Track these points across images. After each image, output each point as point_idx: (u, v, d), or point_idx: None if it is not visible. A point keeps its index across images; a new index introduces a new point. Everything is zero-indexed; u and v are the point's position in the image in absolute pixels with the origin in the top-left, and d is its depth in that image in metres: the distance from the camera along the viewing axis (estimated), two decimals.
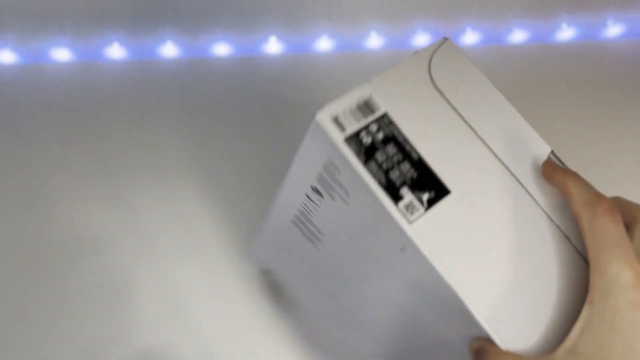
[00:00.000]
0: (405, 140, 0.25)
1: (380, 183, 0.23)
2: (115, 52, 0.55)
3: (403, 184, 0.24)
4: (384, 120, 0.25)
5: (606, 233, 0.22)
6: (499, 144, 0.26)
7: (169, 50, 0.56)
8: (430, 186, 0.24)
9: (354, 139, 0.24)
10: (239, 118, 0.54)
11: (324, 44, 0.58)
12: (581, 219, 0.23)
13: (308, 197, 0.27)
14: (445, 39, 0.29)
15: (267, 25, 0.57)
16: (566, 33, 0.59)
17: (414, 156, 0.25)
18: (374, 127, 0.25)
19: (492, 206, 0.25)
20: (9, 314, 0.45)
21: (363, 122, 0.25)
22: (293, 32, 0.57)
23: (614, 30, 0.60)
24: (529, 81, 0.56)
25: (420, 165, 0.24)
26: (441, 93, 0.27)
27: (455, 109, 0.26)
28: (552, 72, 0.57)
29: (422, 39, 0.58)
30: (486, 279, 0.23)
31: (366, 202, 0.24)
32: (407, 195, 0.24)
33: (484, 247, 0.24)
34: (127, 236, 0.48)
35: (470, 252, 0.24)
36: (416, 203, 0.24)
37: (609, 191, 0.50)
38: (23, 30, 0.54)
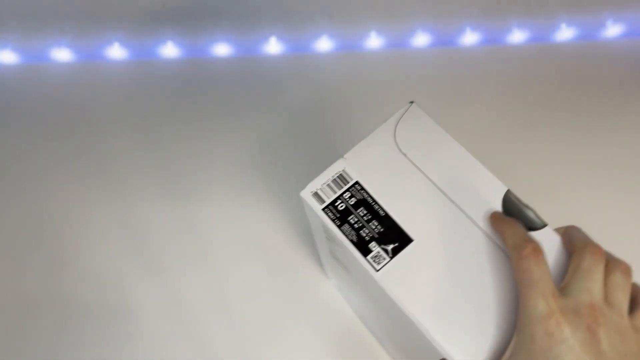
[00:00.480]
0: (374, 201, 0.31)
1: (352, 241, 0.30)
2: (116, 52, 0.56)
3: (372, 239, 0.30)
4: (356, 188, 0.31)
5: (528, 272, 0.26)
6: (457, 193, 0.31)
7: (169, 50, 0.56)
8: (395, 238, 0.30)
9: (330, 208, 0.31)
10: (239, 117, 0.54)
11: (324, 44, 0.58)
12: (511, 259, 0.27)
13: (327, 240, 0.34)
14: (411, 102, 0.34)
15: (267, 26, 0.57)
16: (565, 33, 0.59)
17: (381, 214, 0.30)
18: (347, 195, 0.31)
19: (450, 248, 0.30)
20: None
21: (338, 192, 0.31)
22: (293, 32, 0.58)
23: (613, 30, 0.60)
24: (529, 81, 0.57)
25: (386, 220, 0.30)
26: (405, 155, 0.32)
27: (418, 168, 0.32)
28: (552, 72, 0.57)
29: (422, 39, 0.58)
30: (445, 312, 0.28)
31: (347, 253, 0.31)
32: (375, 248, 0.30)
33: (443, 285, 0.29)
34: (125, 234, 0.48)
35: (430, 289, 0.28)
36: (382, 254, 0.29)
37: (609, 191, 0.50)
38: (24, 31, 0.54)
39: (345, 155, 0.32)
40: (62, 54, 0.55)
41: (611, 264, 0.27)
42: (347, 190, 0.31)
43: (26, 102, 0.54)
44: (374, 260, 0.30)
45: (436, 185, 0.31)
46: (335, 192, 0.31)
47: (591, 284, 0.26)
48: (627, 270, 0.27)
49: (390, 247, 0.30)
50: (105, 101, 0.54)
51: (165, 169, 0.51)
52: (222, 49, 0.57)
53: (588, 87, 0.56)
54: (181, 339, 0.45)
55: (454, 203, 0.31)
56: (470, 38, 0.58)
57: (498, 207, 0.30)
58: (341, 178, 0.32)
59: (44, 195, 0.50)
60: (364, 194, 0.31)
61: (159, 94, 0.55)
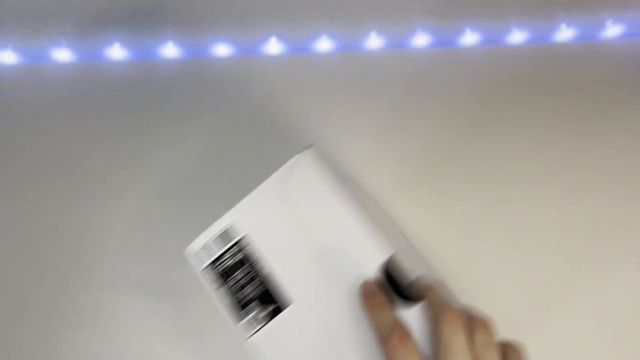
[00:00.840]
0: (258, 259, 0.29)
1: (227, 305, 0.29)
2: (116, 52, 0.56)
3: (250, 301, 0.29)
4: (242, 243, 0.30)
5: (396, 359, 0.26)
6: (340, 254, 0.29)
7: (170, 50, 0.56)
8: (275, 299, 0.28)
9: (210, 268, 0.30)
10: (239, 118, 0.54)
11: (324, 44, 0.58)
12: (380, 348, 0.27)
13: None
14: (310, 145, 0.32)
15: (267, 26, 0.57)
16: (565, 33, 0.59)
17: (264, 273, 0.29)
18: (233, 250, 0.30)
19: (329, 311, 0.28)
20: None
21: (224, 249, 0.30)
22: (293, 32, 0.58)
23: (613, 30, 0.60)
24: (528, 82, 0.57)
25: (268, 280, 0.29)
26: (293, 208, 0.30)
27: (305, 223, 0.29)
28: (552, 72, 0.57)
29: (422, 39, 0.58)
30: None
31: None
32: (252, 311, 0.28)
33: (314, 353, 0.27)
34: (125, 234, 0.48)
35: (304, 354, 0.27)
36: (259, 317, 0.28)
37: (609, 191, 0.50)
38: (24, 31, 0.55)
39: (234, 208, 0.30)
40: (62, 54, 0.55)
41: (473, 323, 0.27)
42: (234, 245, 0.30)
43: (27, 102, 0.54)
44: (249, 324, 0.28)
45: (321, 244, 0.29)
46: (220, 249, 0.30)
47: (456, 356, 0.25)
48: (488, 326, 0.27)
49: (269, 308, 0.28)
50: (105, 101, 0.54)
51: (165, 169, 0.51)
52: (222, 49, 0.57)
53: (588, 88, 0.56)
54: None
55: (336, 264, 0.29)
56: (469, 38, 0.58)
57: (382, 262, 0.29)
58: (228, 233, 0.30)
59: (44, 196, 0.50)
60: (249, 250, 0.29)
61: (160, 94, 0.55)
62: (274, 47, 0.57)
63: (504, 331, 0.42)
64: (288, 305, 0.28)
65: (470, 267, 0.47)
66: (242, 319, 0.29)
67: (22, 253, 0.48)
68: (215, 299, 0.29)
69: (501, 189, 0.51)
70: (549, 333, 0.45)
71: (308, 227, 0.29)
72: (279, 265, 0.29)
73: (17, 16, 0.54)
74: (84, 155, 0.52)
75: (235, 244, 0.30)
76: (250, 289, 0.29)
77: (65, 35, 0.55)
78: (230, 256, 0.30)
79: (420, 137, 0.53)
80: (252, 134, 0.53)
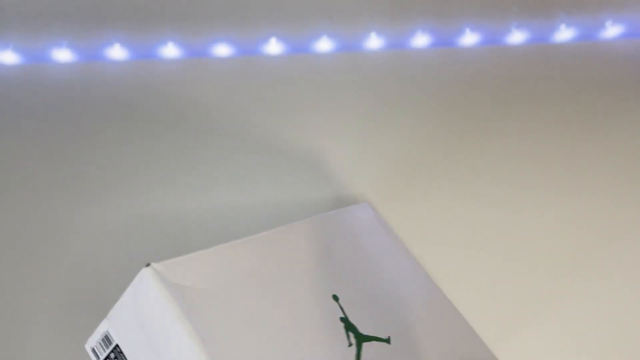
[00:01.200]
0: None
1: None
2: (117, 52, 0.56)
3: None
4: (117, 350, 0.29)
5: None
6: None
7: (170, 50, 0.56)
8: None
9: None
10: (239, 117, 0.54)
11: (324, 44, 0.58)
12: None
13: None
14: (147, 265, 0.29)
15: (267, 26, 0.57)
16: (565, 34, 0.59)
17: None
18: (111, 357, 0.30)
19: None
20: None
21: (105, 354, 0.30)
22: (293, 32, 0.58)
23: (612, 30, 0.60)
24: (528, 82, 0.57)
25: None
26: (141, 327, 0.28)
27: (151, 341, 0.28)
28: (551, 73, 0.57)
29: (421, 40, 0.58)
30: None
31: None
32: None
33: None
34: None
35: None
36: None
37: (608, 191, 0.50)
38: (25, 31, 0.55)
39: (109, 314, 0.30)
40: (63, 55, 0.55)
41: None
42: (111, 352, 0.29)
43: (27, 103, 0.54)
44: None
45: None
46: (104, 352, 0.30)
47: None
48: None
49: None
50: (106, 101, 0.54)
51: (165, 169, 0.51)
52: (222, 50, 0.57)
53: (587, 88, 0.56)
54: None
55: None
56: (469, 38, 0.58)
57: None
58: (106, 339, 0.30)
59: (44, 196, 0.50)
60: (122, 358, 0.29)
61: (160, 94, 0.55)
62: (274, 47, 0.57)
63: (500, 333, 0.42)
64: None
65: (463, 268, 0.47)
66: None
67: (22, 253, 0.48)
68: None
69: (501, 189, 0.51)
70: (548, 333, 0.45)
71: (152, 347, 0.28)
72: None
73: (17, 17, 0.54)
74: (84, 156, 0.52)
75: (113, 350, 0.30)
76: None
77: (65, 35, 0.55)
78: (115, 355, 0.30)
79: (420, 137, 0.53)
80: (252, 134, 0.53)
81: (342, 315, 0.32)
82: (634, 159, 0.53)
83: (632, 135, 0.54)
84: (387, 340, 0.32)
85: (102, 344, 0.30)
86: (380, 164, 0.52)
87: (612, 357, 0.44)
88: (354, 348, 0.31)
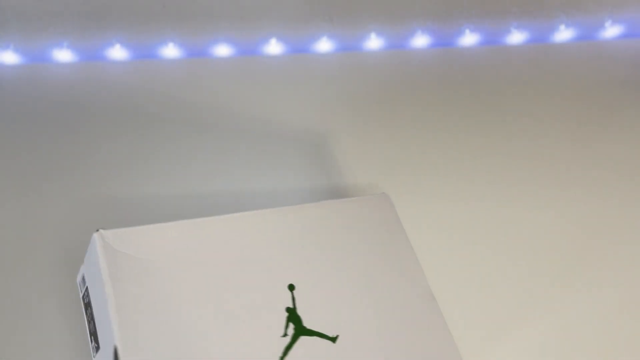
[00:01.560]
0: (91, 309, 0.31)
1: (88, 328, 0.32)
2: (117, 52, 0.56)
3: (91, 334, 0.31)
4: (87, 292, 0.32)
5: None
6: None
7: (170, 50, 0.56)
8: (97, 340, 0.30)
9: (83, 296, 0.33)
10: (239, 117, 0.54)
11: (324, 45, 0.58)
12: None
13: None
14: (98, 230, 0.32)
15: (267, 26, 0.57)
16: (564, 34, 0.60)
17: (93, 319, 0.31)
18: (86, 294, 0.32)
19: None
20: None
21: (83, 291, 0.32)
22: (293, 32, 0.58)
23: (612, 31, 0.60)
24: (528, 82, 0.57)
25: (93, 325, 0.31)
26: (105, 267, 0.29)
27: (109, 285, 0.29)
28: (551, 73, 0.58)
29: (421, 40, 0.58)
30: None
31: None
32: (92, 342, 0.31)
33: None
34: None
35: None
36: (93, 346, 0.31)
37: (608, 191, 0.50)
38: (25, 31, 0.55)
39: (84, 259, 0.32)
40: (63, 55, 0.55)
41: None
42: (86, 290, 0.32)
43: (28, 103, 0.54)
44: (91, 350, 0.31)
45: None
46: (83, 288, 0.33)
47: None
48: None
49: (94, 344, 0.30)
50: (106, 101, 0.54)
51: (165, 169, 0.52)
52: (222, 50, 0.57)
53: (587, 88, 0.57)
54: None
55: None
56: (469, 39, 0.58)
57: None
58: (82, 280, 0.33)
59: (44, 196, 0.50)
60: (88, 299, 0.32)
61: (161, 94, 0.55)
62: (274, 47, 0.58)
63: (499, 332, 0.42)
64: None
65: (463, 267, 0.47)
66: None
67: (22, 253, 0.48)
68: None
69: (500, 189, 0.51)
70: (548, 333, 0.45)
71: (96, 303, 0.30)
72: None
73: (18, 17, 0.54)
74: (84, 156, 0.52)
75: (86, 290, 0.32)
76: (92, 325, 0.31)
77: (66, 35, 0.55)
78: (86, 295, 0.32)
79: (419, 137, 0.53)
80: (252, 134, 0.54)
81: (290, 306, 0.31)
82: (634, 158, 0.53)
83: (631, 135, 0.54)
84: (333, 339, 0.31)
85: (81, 282, 0.33)
86: (380, 164, 0.52)
87: (612, 357, 0.44)
88: (287, 339, 0.30)
